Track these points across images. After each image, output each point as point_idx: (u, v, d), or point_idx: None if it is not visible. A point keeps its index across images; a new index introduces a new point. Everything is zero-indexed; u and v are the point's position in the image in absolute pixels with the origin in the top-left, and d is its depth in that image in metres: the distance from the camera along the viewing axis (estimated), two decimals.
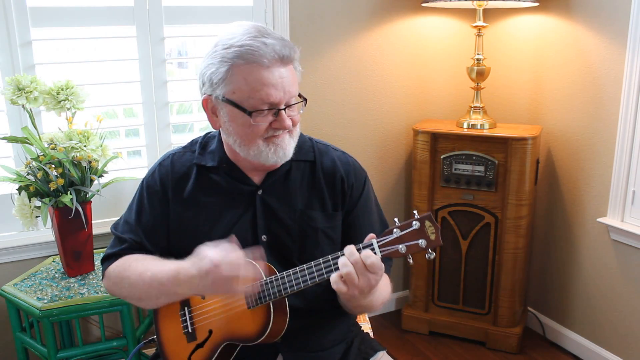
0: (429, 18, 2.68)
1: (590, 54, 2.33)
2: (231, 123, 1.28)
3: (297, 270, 1.21)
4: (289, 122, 1.26)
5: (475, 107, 2.53)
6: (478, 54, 2.48)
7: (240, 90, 1.23)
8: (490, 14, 2.65)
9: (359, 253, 1.14)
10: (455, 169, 2.50)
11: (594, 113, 2.35)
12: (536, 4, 2.38)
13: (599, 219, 2.34)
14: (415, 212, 1.17)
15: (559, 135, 2.53)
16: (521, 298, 2.62)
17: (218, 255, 1.16)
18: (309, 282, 1.20)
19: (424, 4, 2.46)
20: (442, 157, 2.51)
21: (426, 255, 1.14)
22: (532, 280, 2.77)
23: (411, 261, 1.15)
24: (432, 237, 1.13)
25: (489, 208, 2.49)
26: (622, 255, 2.30)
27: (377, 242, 1.16)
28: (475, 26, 2.46)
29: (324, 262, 1.19)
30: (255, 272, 1.21)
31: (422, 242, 1.13)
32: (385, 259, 1.40)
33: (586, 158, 2.41)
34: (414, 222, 1.14)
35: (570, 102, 2.45)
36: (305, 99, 1.30)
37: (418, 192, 2.57)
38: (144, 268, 1.31)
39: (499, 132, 2.44)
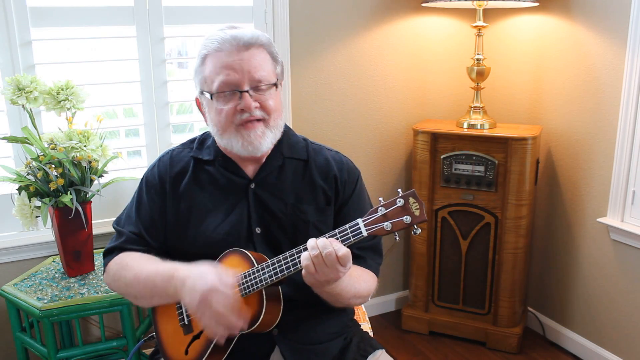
0: (429, 18, 2.68)
1: (591, 54, 2.33)
2: (209, 113, 1.37)
3: (287, 255, 1.23)
4: (252, 104, 1.29)
5: (475, 107, 2.53)
6: (478, 54, 2.48)
7: (207, 77, 1.32)
8: (490, 14, 2.65)
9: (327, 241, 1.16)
10: (455, 169, 2.50)
11: (594, 113, 2.35)
12: (536, 4, 2.38)
13: (599, 219, 2.34)
14: (399, 190, 1.19)
15: (559, 135, 2.53)
16: (521, 298, 2.61)
17: (217, 282, 1.18)
18: (299, 266, 1.21)
19: (424, 4, 2.47)
20: (442, 157, 2.51)
21: (412, 232, 1.16)
22: (532, 280, 2.77)
23: (397, 238, 1.18)
24: (417, 212, 1.15)
25: (489, 208, 2.49)
26: (622, 255, 2.30)
27: (363, 220, 1.18)
28: (475, 26, 2.46)
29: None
30: (240, 322, 1.21)
31: (406, 219, 1.14)
32: (374, 257, 1.43)
33: (586, 158, 2.41)
34: (398, 200, 1.16)
35: (570, 102, 2.45)
36: (276, 83, 1.34)
37: (418, 192, 2.54)
38: (140, 269, 1.33)
39: (499, 132, 2.44)
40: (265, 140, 1.33)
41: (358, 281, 1.35)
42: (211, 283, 1.18)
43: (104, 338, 1.84)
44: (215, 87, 1.30)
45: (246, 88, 1.29)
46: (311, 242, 1.17)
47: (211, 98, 1.32)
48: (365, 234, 1.17)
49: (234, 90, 1.30)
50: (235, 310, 1.19)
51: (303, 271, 1.18)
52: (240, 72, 1.28)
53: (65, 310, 1.74)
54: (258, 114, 1.31)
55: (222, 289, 1.18)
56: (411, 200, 1.15)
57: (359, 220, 1.18)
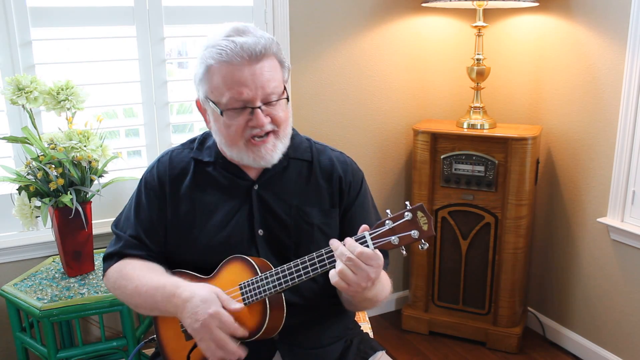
0: (429, 18, 2.68)
1: (591, 54, 2.33)
2: (215, 123, 1.32)
3: (292, 265, 1.22)
4: (264, 120, 1.26)
5: (475, 107, 2.53)
6: (478, 54, 2.48)
7: (215, 89, 1.26)
8: (490, 14, 2.65)
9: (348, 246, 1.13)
10: (455, 169, 2.50)
11: (594, 113, 2.35)
12: (536, 4, 2.38)
13: (599, 219, 2.34)
14: (407, 203, 1.16)
15: (559, 135, 2.53)
16: (521, 298, 2.61)
17: (219, 310, 1.18)
18: (304, 277, 1.20)
19: (424, 4, 2.46)
20: (442, 157, 2.51)
21: (419, 246, 1.14)
22: (532, 280, 2.77)
23: (404, 252, 1.15)
24: (425, 227, 1.12)
25: (489, 208, 2.49)
26: (622, 255, 2.30)
27: (370, 234, 1.15)
28: (475, 26, 2.46)
29: (317, 257, 1.19)
30: (238, 349, 1.21)
31: (414, 233, 1.12)
32: (383, 253, 1.42)
33: (586, 158, 2.41)
34: (406, 213, 1.13)
35: (570, 102, 2.45)
36: (288, 97, 1.30)
37: (418, 192, 2.57)
38: (140, 281, 1.32)
39: (499, 132, 2.44)
40: (277, 153, 1.30)
41: (385, 281, 1.35)
42: (214, 310, 1.18)
43: (104, 338, 1.84)
44: (225, 101, 1.25)
45: (258, 104, 1.25)
46: (338, 247, 1.14)
47: (221, 114, 1.26)
48: (372, 247, 1.14)
49: (246, 107, 1.25)
50: (236, 334, 1.19)
51: (338, 281, 1.14)
52: (253, 88, 1.23)
53: (65, 310, 1.74)
54: (269, 127, 1.27)
55: (225, 318, 1.18)
56: (419, 214, 1.12)
57: (366, 234, 1.15)
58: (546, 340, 2.69)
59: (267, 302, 1.24)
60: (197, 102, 1.36)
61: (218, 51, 1.23)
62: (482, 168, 2.45)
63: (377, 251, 1.14)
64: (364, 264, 1.12)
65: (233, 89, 1.23)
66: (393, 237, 1.13)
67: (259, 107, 1.25)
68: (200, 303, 1.19)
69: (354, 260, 1.11)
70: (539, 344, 2.67)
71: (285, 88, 1.31)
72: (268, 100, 1.26)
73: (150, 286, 1.29)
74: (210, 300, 1.19)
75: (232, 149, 1.30)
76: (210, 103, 1.29)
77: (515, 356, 2.56)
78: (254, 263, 1.27)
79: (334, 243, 1.15)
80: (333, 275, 1.14)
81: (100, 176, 1.94)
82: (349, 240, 1.14)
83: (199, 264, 1.35)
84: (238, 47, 1.22)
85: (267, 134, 1.28)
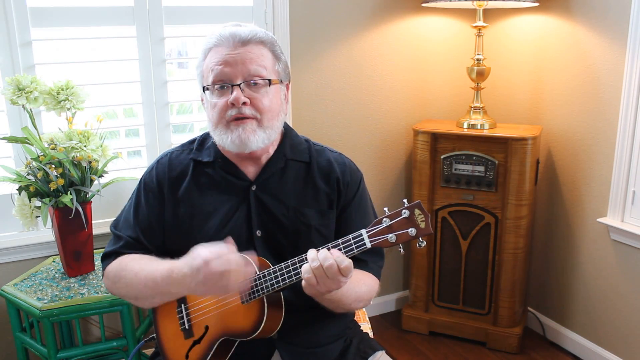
0: (429, 18, 2.68)
1: (591, 54, 2.33)
2: (206, 110, 1.36)
3: (290, 264, 1.22)
4: (240, 97, 1.27)
5: (475, 107, 2.53)
6: (478, 54, 2.48)
7: (205, 71, 1.33)
8: (490, 14, 2.65)
9: (330, 252, 1.15)
10: (455, 169, 2.50)
11: (594, 113, 2.35)
12: (536, 4, 2.38)
13: (599, 219, 2.34)
14: (404, 200, 1.17)
15: (559, 135, 2.53)
16: (521, 298, 2.62)
17: (209, 252, 1.17)
18: (302, 276, 1.20)
19: (424, 4, 2.47)
20: (442, 157, 2.51)
21: (417, 244, 1.14)
22: (532, 280, 2.77)
23: (402, 251, 1.16)
24: (422, 225, 1.13)
25: (489, 208, 2.49)
26: (622, 255, 2.30)
27: (367, 231, 1.16)
28: (475, 26, 2.46)
29: None
30: (248, 269, 1.21)
31: (411, 231, 1.13)
32: (376, 259, 1.42)
33: (586, 158, 2.41)
34: (404, 211, 1.13)
35: (571, 102, 2.45)
36: (270, 80, 1.31)
37: (418, 192, 2.57)
38: (140, 268, 1.32)
39: (499, 132, 2.44)
40: (256, 138, 1.30)
41: (359, 285, 1.34)
42: (204, 255, 1.17)
43: (104, 338, 1.84)
44: (210, 80, 1.31)
45: (238, 82, 1.28)
46: (312, 254, 1.15)
47: (204, 91, 1.33)
48: (369, 245, 1.15)
49: (226, 84, 1.29)
50: (238, 262, 1.17)
51: (303, 282, 1.17)
52: (234, 65, 1.28)
53: (65, 310, 1.74)
54: (247, 112, 1.28)
55: (216, 253, 1.16)
56: (417, 211, 1.13)
57: (363, 232, 1.16)
58: (546, 340, 2.69)
59: (265, 300, 1.25)
60: (202, 99, 1.39)
61: (211, 37, 1.32)
62: (482, 168, 2.45)
63: (349, 267, 1.14)
64: (326, 276, 1.14)
65: (215, 67, 1.29)
66: (390, 235, 1.14)
67: (239, 85, 1.28)
68: (192, 260, 1.19)
69: (320, 270, 1.14)
70: (539, 344, 2.67)
71: (279, 79, 1.34)
72: (250, 81, 1.29)
73: (149, 271, 1.30)
74: (198, 252, 1.19)
75: (216, 131, 1.33)
76: (202, 88, 1.34)
77: (515, 356, 2.56)
78: (252, 262, 1.27)
79: (311, 253, 1.16)
80: (304, 270, 1.16)
81: (101, 176, 1.95)
82: (324, 252, 1.15)
83: None
84: (227, 33, 1.30)
85: (248, 118, 1.29)
